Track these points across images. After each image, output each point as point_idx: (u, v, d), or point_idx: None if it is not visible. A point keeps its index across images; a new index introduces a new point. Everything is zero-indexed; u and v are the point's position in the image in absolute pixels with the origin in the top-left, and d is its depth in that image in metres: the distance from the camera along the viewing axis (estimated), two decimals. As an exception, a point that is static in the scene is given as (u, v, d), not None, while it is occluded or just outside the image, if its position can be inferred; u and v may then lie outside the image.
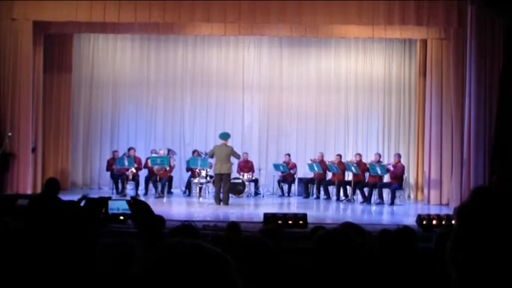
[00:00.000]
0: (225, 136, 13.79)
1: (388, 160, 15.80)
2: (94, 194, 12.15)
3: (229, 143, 13.87)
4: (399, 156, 15.05)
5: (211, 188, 14.96)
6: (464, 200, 1.38)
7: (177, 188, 16.11)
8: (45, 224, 3.17)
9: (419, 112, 15.76)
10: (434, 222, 9.76)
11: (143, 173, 15.41)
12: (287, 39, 16.83)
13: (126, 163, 14.90)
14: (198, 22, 14.07)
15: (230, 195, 13.78)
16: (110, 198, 3.01)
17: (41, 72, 14.79)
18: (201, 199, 14.52)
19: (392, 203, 14.02)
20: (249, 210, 13.29)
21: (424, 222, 9.76)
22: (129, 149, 15.43)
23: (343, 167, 15.06)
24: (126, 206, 2.79)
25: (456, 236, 1.33)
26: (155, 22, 14.03)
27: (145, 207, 2.78)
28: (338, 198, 14.86)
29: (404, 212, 13.18)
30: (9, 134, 13.42)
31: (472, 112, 12.65)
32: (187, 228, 2.77)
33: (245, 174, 15.56)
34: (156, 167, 14.97)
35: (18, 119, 13.66)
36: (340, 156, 15.57)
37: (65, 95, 15.92)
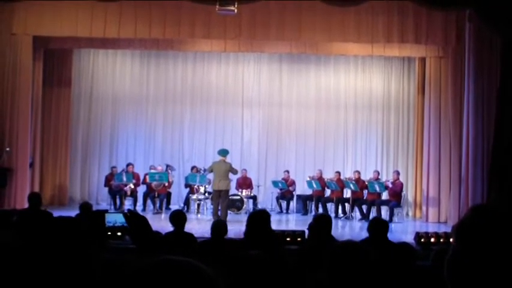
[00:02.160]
0: (223, 152, 13.79)
1: (387, 177, 15.80)
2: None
3: (228, 159, 13.85)
4: (398, 173, 15.04)
5: (209, 204, 14.93)
6: (462, 218, 1.38)
7: (176, 204, 16.05)
8: (42, 240, 3.15)
9: (418, 129, 15.78)
10: (432, 240, 9.73)
11: (141, 189, 15.38)
12: (287, 56, 16.88)
13: (125, 179, 14.88)
14: (198, 38, 14.14)
15: (228, 211, 13.74)
16: (106, 211, 3.00)
17: (40, 87, 14.82)
18: (199, 215, 14.48)
19: (390, 221, 13.97)
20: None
21: (423, 240, 9.73)
22: (128, 165, 15.42)
23: (341, 184, 15.04)
24: (123, 219, 2.77)
25: (454, 254, 1.32)
26: (155, 38, 14.09)
27: (142, 220, 2.76)
28: (336, 216, 14.82)
29: (402, 229, 13.13)
30: (7, 148, 13.41)
31: (470, 130, 12.67)
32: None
33: (244, 191, 15.53)
34: (154, 183, 14.96)
35: (17, 133, 13.65)
36: (338, 173, 15.56)
37: (64, 110, 15.93)
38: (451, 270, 1.33)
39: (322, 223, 5.60)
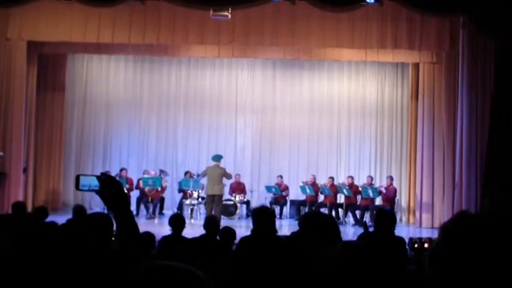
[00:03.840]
0: (217, 158, 13.83)
1: (380, 182, 15.83)
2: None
3: (222, 164, 13.87)
4: (391, 178, 15.08)
5: (202, 209, 14.91)
6: (449, 219, 1.42)
7: (169, 209, 16.02)
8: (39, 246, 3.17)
9: (412, 135, 15.82)
10: (426, 245, 9.73)
11: (135, 194, 15.35)
12: (280, 62, 16.92)
13: (118, 184, 14.82)
14: (192, 44, 14.16)
15: (222, 216, 13.74)
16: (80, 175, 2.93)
17: (34, 92, 14.79)
18: (192, 220, 14.44)
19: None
20: (240, 232, 13.14)
21: (416, 246, 9.73)
22: (121, 170, 15.40)
23: (335, 189, 15.06)
24: (97, 183, 2.70)
25: (433, 250, 1.37)
26: (149, 43, 14.10)
27: (117, 184, 2.70)
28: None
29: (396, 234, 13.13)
30: (1, 153, 13.37)
31: (463, 135, 12.71)
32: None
33: (237, 196, 15.53)
34: (147, 188, 14.95)
35: (10, 138, 13.61)
36: (332, 178, 15.57)
37: (57, 114, 15.91)
38: (430, 263, 1.38)
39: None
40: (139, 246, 2.75)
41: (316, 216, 3.63)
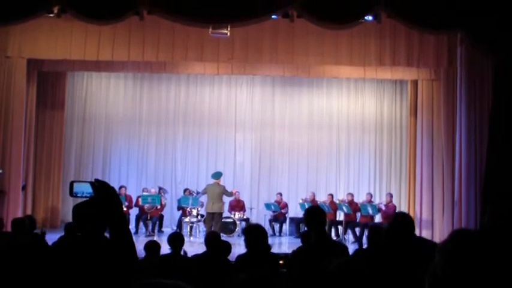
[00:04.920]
0: (217, 175, 13.84)
1: (380, 199, 15.80)
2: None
3: (221, 181, 13.86)
4: (391, 195, 15.06)
5: (202, 227, 14.88)
6: (445, 239, 1.42)
7: (168, 226, 15.99)
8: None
9: (411, 152, 15.82)
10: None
11: (134, 212, 15.32)
12: (279, 78, 16.96)
13: (117, 201, 14.79)
14: (191, 61, 14.19)
15: (221, 234, 13.67)
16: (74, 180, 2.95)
17: (33, 109, 14.82)
18: (191, 238, 14.40)
19: (384, 243, 13.92)
20: (239, 249, 13.15)
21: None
22: (120, 187, 15.36)
23: (334, 206, 15.02)
24: (91, 190, 2.70)
25: (434, 271, 1.37)
26: (148, 61, 14.12)
27: (111, 191, 2.70)
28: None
29: (396, 252, 13.08)
30: (0, 170, 13.35)
31: (463, 152, 12.69)
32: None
33: (236, 214, 15.48)
34: (146, 206, 14.92)
35: (10, 155, 13.57)
36: (331, 195, 15.54)
37: (57, 132, 15.93)
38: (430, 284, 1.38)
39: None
40: (132, 251, 2.74)
41: None
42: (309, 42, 13.14)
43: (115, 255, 2.79)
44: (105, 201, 2.67)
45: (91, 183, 2.71)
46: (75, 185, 2.86)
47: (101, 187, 2.65)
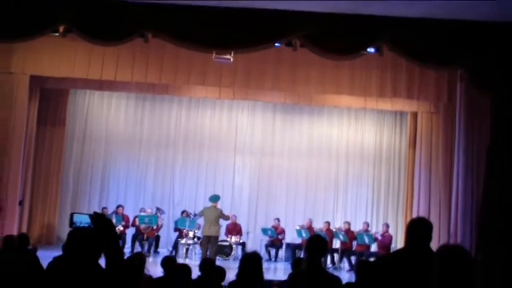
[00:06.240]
0: (214, 199, 13.85)
1: (376, 229, 15.82)
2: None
3: (219, 205, 13.88)
4: (387, 226, 15.08)
5: (198, 249, 14.88)
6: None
7: (164, 247, 15.98)
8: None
9: (408, 183, 15.87)
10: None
11: (130, 231, 15.32)
12: (281, 105, 17.06)
13: (114, 220, 14.81)
14: (193, 84, 14.26)
15: (217, 257, 13.70)
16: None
17: (34, 125, 14.88)
18: (187, 260, 14.39)
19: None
20: (235, 273, 13.14)
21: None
22: (118, 207, 15.40)
23: (331, 234, 15.03)
24: (89, 220, 2.83)
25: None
26: (151, 83, 14.19)
27: (107, 222, 2.81)
28: (325, 266, 14.76)
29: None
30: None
31: (460, 185, 12.73)
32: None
33: (233, 237, 15.49)
34: (143, 226, 14.92)
35: (8, 170, 13.59)
36: (328, 223, 15.55)
37: (56, 149, 15.97)
38: None
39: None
40: (125, 280, 2.81)
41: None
42: (311, 71, 13.24)
43: (108, 283, 2.86)
44: (102, 231, 2.78)
45: (90, 215, 2.84)
46: (74, 216, 2.99)
47: (98, 219, 2.77)
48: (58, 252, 7.72)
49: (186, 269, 6.22)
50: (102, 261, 3.19)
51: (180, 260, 14.41)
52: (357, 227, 15.60)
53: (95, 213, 2.91)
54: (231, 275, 12.91)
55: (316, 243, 4.92)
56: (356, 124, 17.55)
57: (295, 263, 6.91)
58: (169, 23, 10.36)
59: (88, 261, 3.16)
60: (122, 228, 14.99)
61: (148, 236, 15.01)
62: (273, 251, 15.90)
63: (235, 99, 16.00)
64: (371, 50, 11.10)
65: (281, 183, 17.50)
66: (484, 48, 10.19)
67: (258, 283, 5.55)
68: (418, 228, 4.21)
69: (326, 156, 17.49)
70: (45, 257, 6.97)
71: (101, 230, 2.79)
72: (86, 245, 3.17)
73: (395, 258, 4.41)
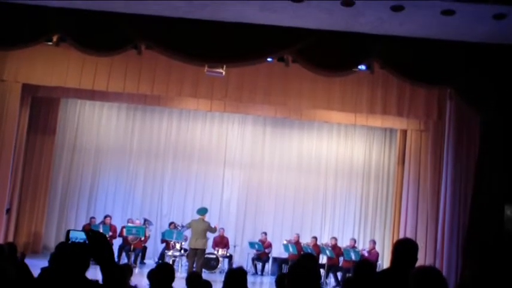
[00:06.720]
0: (202, 211, 13.84)
1: (363, 245, 15.86)
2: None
3: (206, 217, 13.87)
4: (374, 242, 15.12)
5: (184, 261, 14.85)
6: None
7: (151, 258, 15.94)
8: None
9: (396, 199, 15.95)
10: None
11: (117, 242, 15.27)
12: (271, 119, 17.13)
13: (101, 230, 14.78)
14: (185, 96, 14.31)
15: (203, 270, 13.68)
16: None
17: (24, 133, 14.86)
18: (173, 272, 14.33)
19: (364, 290, 13.92)
20: (221, 286, 13.13)
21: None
22: (105, 217, 15.37)
23: (318, 249, 15.05)
24: (84, 236, 2.90)
25: None
26: (143, 93, 14.21)
27: (102, 237, 2.88)
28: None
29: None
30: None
31: (447, 203, 12.80)
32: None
33: (220, 250, 15.48)
34: (130, 237, 14.89)
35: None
36: (315, 238, 15.57)
37: (46, 157, 15.93)
38: None
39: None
40: None
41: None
42: (302, 86, 13.32)
43: None
44: (97, 247, 2.87)
45: (86, 231, 2.91)
46: (71, 232, 3.07)
47: (94, 235, 2.85)
48: (44, 261, 7.71)
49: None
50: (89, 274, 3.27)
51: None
52: (344, 243, 15.64)
53: (91, 230, 2.98)
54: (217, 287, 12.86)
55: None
56: (346, 140, 17.65)
57: (279, 279, 6.95)
58: (162, 35, 10.44)
59: (75, 273, 3.21)
60: (108, 239, 14.94)
61: (135, 247, 14.98)
62: (259, 265, 15.90)
63: (226, 112, 16.05)
64: (362, 67, 11.22)
65: (269, 197, 17.53)
66: (474, 68, 10.33)
67: None
68: (404, 250, 4.25)
69: (315, 171, 17.55)
70: (32, 265, 6.98)
71: (98, 247, 2.86)
72: (74, 258, 3.23)
73: (380, 279, 4.45)
